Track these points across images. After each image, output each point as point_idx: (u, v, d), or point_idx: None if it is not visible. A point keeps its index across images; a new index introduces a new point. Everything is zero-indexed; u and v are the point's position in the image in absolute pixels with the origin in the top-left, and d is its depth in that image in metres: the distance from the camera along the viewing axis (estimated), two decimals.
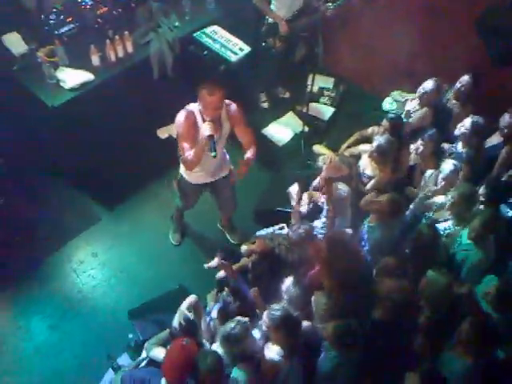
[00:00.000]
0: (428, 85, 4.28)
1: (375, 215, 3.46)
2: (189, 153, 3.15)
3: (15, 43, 4.20)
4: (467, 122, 3.88)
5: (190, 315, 3.06)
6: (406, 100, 4.79)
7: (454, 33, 4.44)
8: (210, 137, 3.04)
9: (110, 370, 3.22)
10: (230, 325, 2.71)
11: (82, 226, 4.35)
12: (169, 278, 4.01)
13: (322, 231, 3.54)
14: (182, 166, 3.52)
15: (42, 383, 3.55)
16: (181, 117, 3.22)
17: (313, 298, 2.98)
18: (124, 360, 3.35)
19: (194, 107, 3.22)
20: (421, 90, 4.33)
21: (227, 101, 3.29)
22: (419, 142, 4.05)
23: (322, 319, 2.87)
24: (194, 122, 3.20)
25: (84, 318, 3.85)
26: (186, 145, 3.19)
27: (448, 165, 3.82)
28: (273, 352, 2.75)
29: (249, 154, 3.39)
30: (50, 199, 4.44)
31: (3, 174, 4.25)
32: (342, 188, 3.70)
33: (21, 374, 3.57)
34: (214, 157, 3.09)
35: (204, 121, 3.16)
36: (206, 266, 3.37)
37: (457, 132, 3.97)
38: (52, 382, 3.55)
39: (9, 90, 4.14)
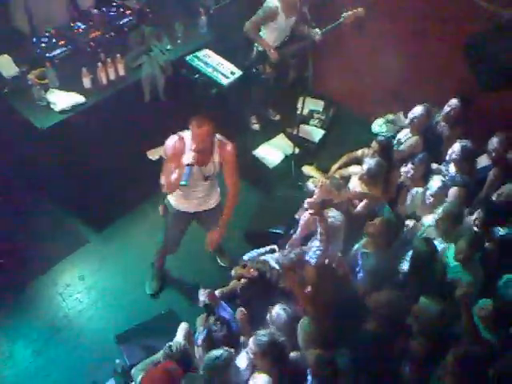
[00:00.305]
0: (417, 110, 4.34)
1: (371, 241, 3.42)
2: (172, 176, 3.15)
3: (6, 65, 4.22)
4: (456, 148, 3.92)
5: (185, 344, 3.00)
6: (397, 124, 4.85)
7: (442, 57, 4.53)
8: (188, 165, 3.05)
9: None
10: (215, 354, 2.68)
11: (69, 248, 4.28)
12: (157, 301, 3.96)
13: (315, 255, 3.51)
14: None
15: None
16: (171, 141, 3.24)
17: (299, 324, 2.94)
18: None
19: (187, 135, 3.22)
20: (410, 115, 4.39)
21: (224, 139, 3.30)
22: (409, 165, 4.08)
23: (305, 345, 2.81)
24: (182, 148, 3.19)
25: (70, 342, 3.75)
26: (169, 167, 3.21)
27: (436, 182, 3.83)
28: (260, 381, 2.68)
29: (226, 210, 3.46)
30: (37, 221, 4.38)
31: None
32: (335, 215, 3.65)
33: None
34: (184, 185, 3.08)
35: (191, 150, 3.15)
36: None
37: (448, 158, 4.02)
38: None
39: None
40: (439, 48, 4.53)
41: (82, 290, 4.07)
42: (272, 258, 3.58)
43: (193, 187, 3.32)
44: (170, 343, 2.92)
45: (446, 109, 4.38)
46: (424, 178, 4.10)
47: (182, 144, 3.20)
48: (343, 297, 3.02)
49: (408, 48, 4.64)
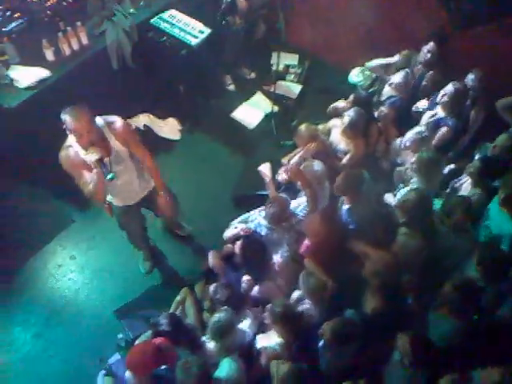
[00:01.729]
0: (396, 77, 4.28)
1: (345, 197, 3.45)
2: (91, 183, 2.89)
3: None
4: (449, 89, 3.85)
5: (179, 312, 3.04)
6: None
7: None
8: (99, 161, 2.82)
9: (102, 374, 3.15)
10: (216, 316, 2.76)
11: (55, 229, 4.22)
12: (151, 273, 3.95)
13: (301, 213, 3.53)
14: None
15: None
16: (61, 157, 2.93)
17: (300, 277, 2.99)
18: (116, 361, 3.30)
19: (69, 140, 2.93)
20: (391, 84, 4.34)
21: (109, 118, 2.98)
22: (381, 107, 4.11)
23: (313, 299, 2.88)
24: (76, 153, 2.90)
25: (70, 322, 3.76)
26: (82, 178, 2.93)
27: (414, 130, 3.84)
28: (272, 340, 2.77)
29: (155, 182, 3.28)
30: (18, 205, 4.26)
31: None
32: (316, 164, 3.66)
33: None
34: (111, 179, 2.86)
35: (84, 149, 2.87)
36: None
37: (439, 99, 3.94)
38: None
39: None
40: None
41: (74, 269, 4.04)
42: (259, 215, 3.59)
43: (121, 179, 3.09)
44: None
45: (426, 54, 4.27)
46: (395, 125, 4.09)
47: (72, 151, 2.91)
48: (345, 252, 3.05)
49: None
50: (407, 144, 3.82)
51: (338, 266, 3.04)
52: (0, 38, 3.95)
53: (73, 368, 3.51)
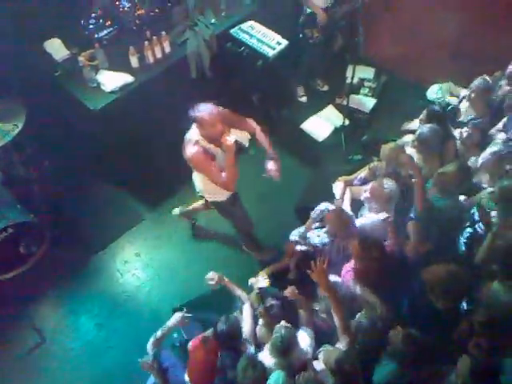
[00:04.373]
0: (475, 83, 4.00)
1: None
2: (223, 174, 3.15)
3: (57, 49, 4.31)
4: None
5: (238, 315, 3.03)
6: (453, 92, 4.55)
7: (506, 11, 4.15)
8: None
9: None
10: (277, 334, 2.69)
11: (125, 226, 4.42)
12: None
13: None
14: (208, 192, 3.50)
15: (93, 380, 3.63)
16: (193, 150, 3.15)
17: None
18: (167, 359, 3.36)
19: (193, 135, 3.19)
20: (468, 89, 4.07)
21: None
22: (465, 128, 3.84)
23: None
24: (204, 148, 3.17)
25: (130, 316, 3.91)
26: (214, 171, 3.18)
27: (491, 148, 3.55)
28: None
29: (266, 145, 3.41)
30: (93, 200, 4.53)
31: (49, 176, 4.37)
32: (389, 184, 3.48)
33: (71, 371, 3.67)
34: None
35: (209, 141, 3.16)
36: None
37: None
38: (102, 379, 3.63)
39: (52, 95, 4.25)
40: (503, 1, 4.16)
41: (138, 266, 4.20)
42: (316, 234, 3.51)
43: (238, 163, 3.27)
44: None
45: (510, 68, 4.01)
46: (478, 147, 3.82)
47: (201, 145, 3.16)
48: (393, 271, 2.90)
49: (467, 2, 4.26)
50: (484, 163, 3.54)
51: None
52: (92, 44, 4.23)
53: (129, 360, 3.59)
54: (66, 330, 3.87)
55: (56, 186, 4.39)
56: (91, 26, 4.33)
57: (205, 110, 3.09)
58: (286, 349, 2.66)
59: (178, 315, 3.14)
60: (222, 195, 3.50)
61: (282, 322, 2.78)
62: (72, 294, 4.04)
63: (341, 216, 3.31)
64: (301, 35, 4.74)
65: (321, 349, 2.91)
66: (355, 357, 2.55)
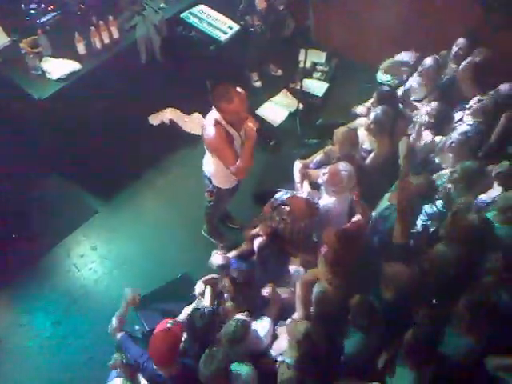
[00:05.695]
0: (426, 61, 4.17)
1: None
2: (238, 161, 3.08)
3: None
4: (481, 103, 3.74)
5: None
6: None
7: None
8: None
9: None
10: (231, 326, 2.71)
11: (78, 220, 4.28)
12: (170, 267, 3.95)
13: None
14: (218, 177, 3.42)
15: (52, 378, 3.53)
16: (212, 131, 3.07)
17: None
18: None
19: (215, 115, 3.10)
20: (420, 67, 4.22)
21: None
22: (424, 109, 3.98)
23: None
24: (225, 130, 3.09)
25: (88, 312, 3.81)
26: (231, 155, 3.10)
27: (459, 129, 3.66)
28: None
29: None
30: (43, 194, 4.36)
31: None
32: (345, 167, 3.52)
33: (29, 371, 3.55)
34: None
35: (230, 124, 3.10)
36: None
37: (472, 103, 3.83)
38: (62, 377, 3.52)
39: None
40: None
41: (95, 260, 4.09)
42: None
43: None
44: (197, 307, 3.00)
45: (454, 49, 4.22)
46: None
47: (222, 126, 3.08)
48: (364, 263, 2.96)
49: None
50: (453, 145, 3.60)
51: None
52: (34, 30, 4.03)
53: (89, 357, 3.55)
54: (21, 329, 3.73)
55: (3, 181, 4.19)
56: (32, 12, 4.11)
57: (231, 98, 2.97)
58: (238, 339, 2.69)
59: (126, 293, 3.08)
60: (230, 183, 3.46)
61: (239, 315, 2.81)
62: (26, 292, 3.89)
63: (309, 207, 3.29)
64: (241, 23, 4.66)
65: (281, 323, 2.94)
66: (321, 328, 2.59)
